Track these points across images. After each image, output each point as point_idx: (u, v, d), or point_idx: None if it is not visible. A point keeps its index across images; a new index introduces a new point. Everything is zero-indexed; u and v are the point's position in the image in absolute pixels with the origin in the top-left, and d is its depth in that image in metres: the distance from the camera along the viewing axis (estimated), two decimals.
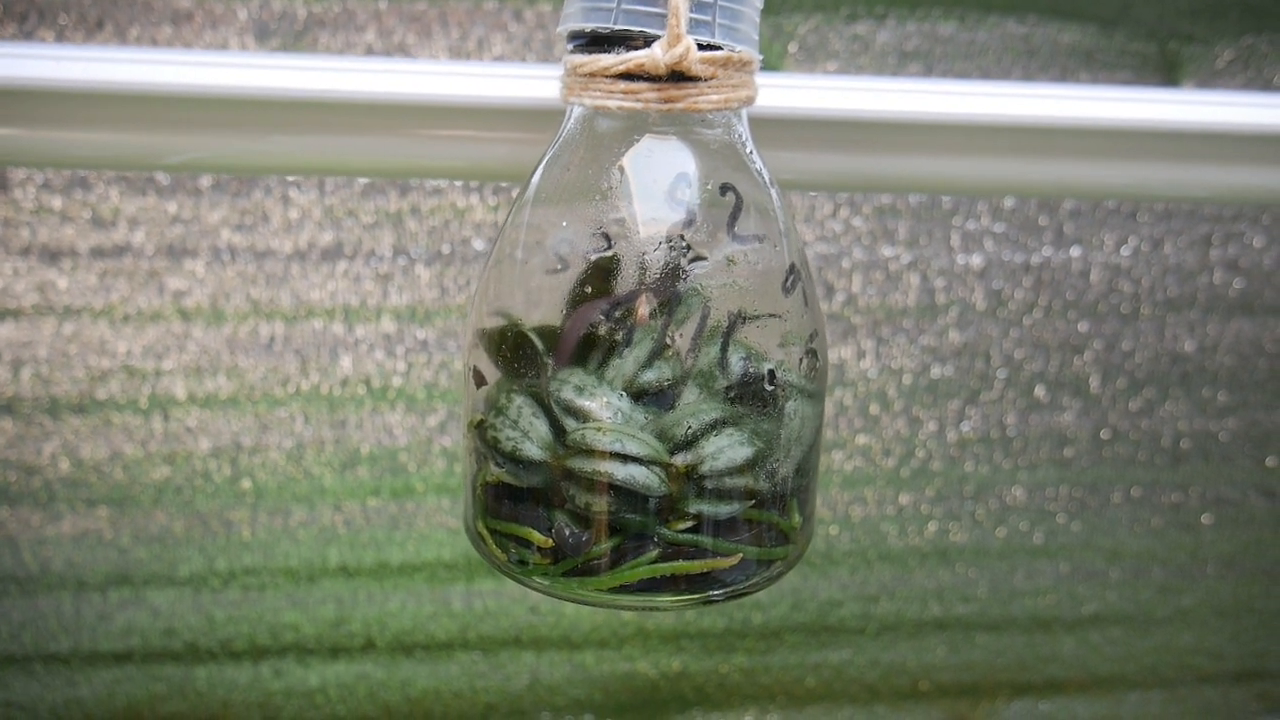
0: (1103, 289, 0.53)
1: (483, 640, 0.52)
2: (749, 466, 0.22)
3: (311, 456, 0.50)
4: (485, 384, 0.23)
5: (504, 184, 0.48)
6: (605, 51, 0.21)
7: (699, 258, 0.21)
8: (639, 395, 0.23)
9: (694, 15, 0.20)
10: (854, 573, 0.54)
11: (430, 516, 0.51)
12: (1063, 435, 0.54)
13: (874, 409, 0.53)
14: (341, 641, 0.51)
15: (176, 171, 0.44)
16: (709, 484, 0.21)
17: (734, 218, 0.21)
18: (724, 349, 0.23)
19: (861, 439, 0.53)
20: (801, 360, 0.23)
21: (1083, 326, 0.53)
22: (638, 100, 0.20)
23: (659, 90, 0.20)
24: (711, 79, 0.21)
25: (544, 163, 0.23)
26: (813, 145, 0.26)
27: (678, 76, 0.20)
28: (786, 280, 0.22)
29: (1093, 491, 0.55)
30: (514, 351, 0.23)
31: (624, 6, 0.20)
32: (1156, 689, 0.58)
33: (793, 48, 0.49)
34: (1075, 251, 0.53)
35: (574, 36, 0.22)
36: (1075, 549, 0.55)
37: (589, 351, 0.23)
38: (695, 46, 0.20)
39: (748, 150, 0.22)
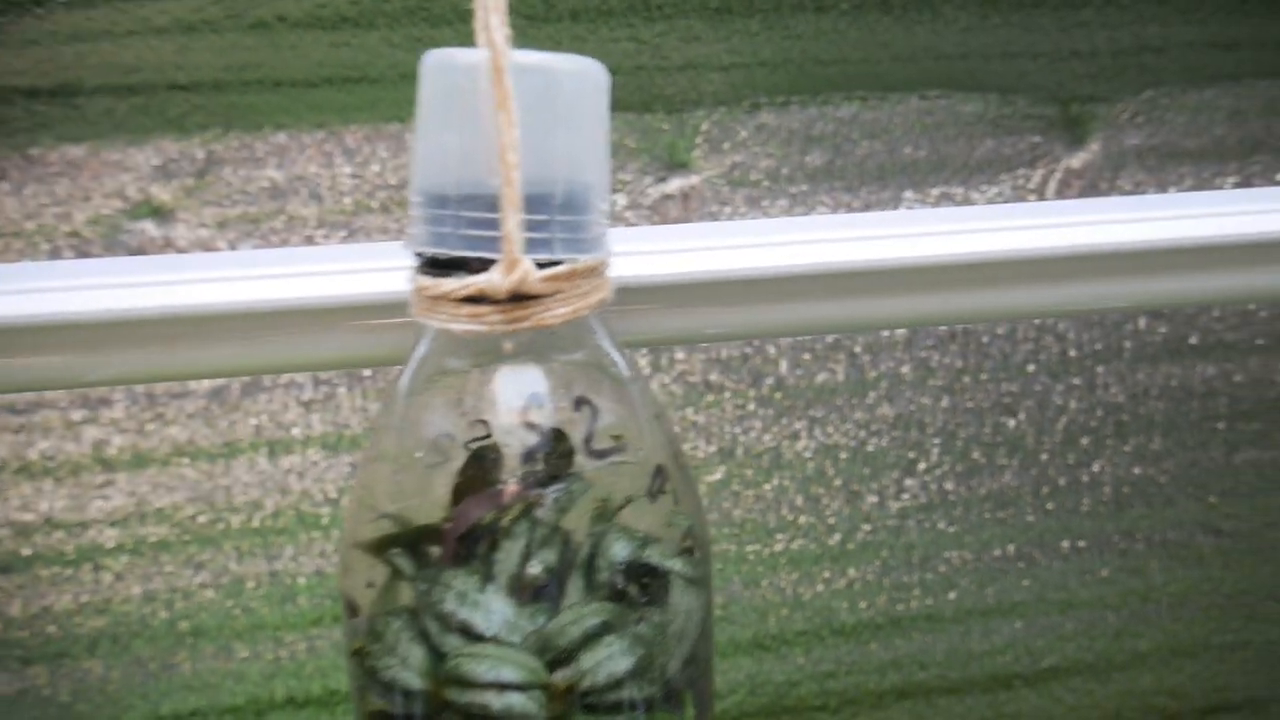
0: (1030, 348, 0.54)
1: None
2: (632, 676, 0.21)
3: (249, 592, 0.49)
4: (358, 615, 0.23)
5: None
6: (447, 274, 0.21)
7: (555, 477, 0.21)
8: (524, 590, 0.22)
9: (532, 234, 0.20)
10: (808, 652, 0.54)
11: None
12: (1004, 495, 0.54)
13: (814, 488, 0.53)
14: None
15: (98, 386, 0.44)
16: (592, 699, 0.21)
17: (590, 435, 0.21)
18: (598, 544, 0.22)
19: (804, 519, 0.53)
20: (681, 556, 0.22)
21: (1013, 386, 0.54)
22: (483, 323, 0.20)
23: (503, 312, 0.20)
24: (557, 293, 0.20)
25: (410, 370, 0.23)
26: (678, 305, 0.26)
27: (521, 295, 0.20)
28: (652, 485, 0.22)
29: (1039, 547, 0.55)
30: (393, 557, 0.23)
31: (459, 231, 0.20)
32: None
33: (699, 141, 0.49)
34: None
35: (419, 254, 0.22)
36: (1028, 605, 0.56)
37: (469, 550, 0.23)
38: (534, 268, 0.20)
39: (605, 352, 0.22)
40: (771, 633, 0.53)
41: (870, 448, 0.53)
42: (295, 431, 0.48)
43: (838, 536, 0.53)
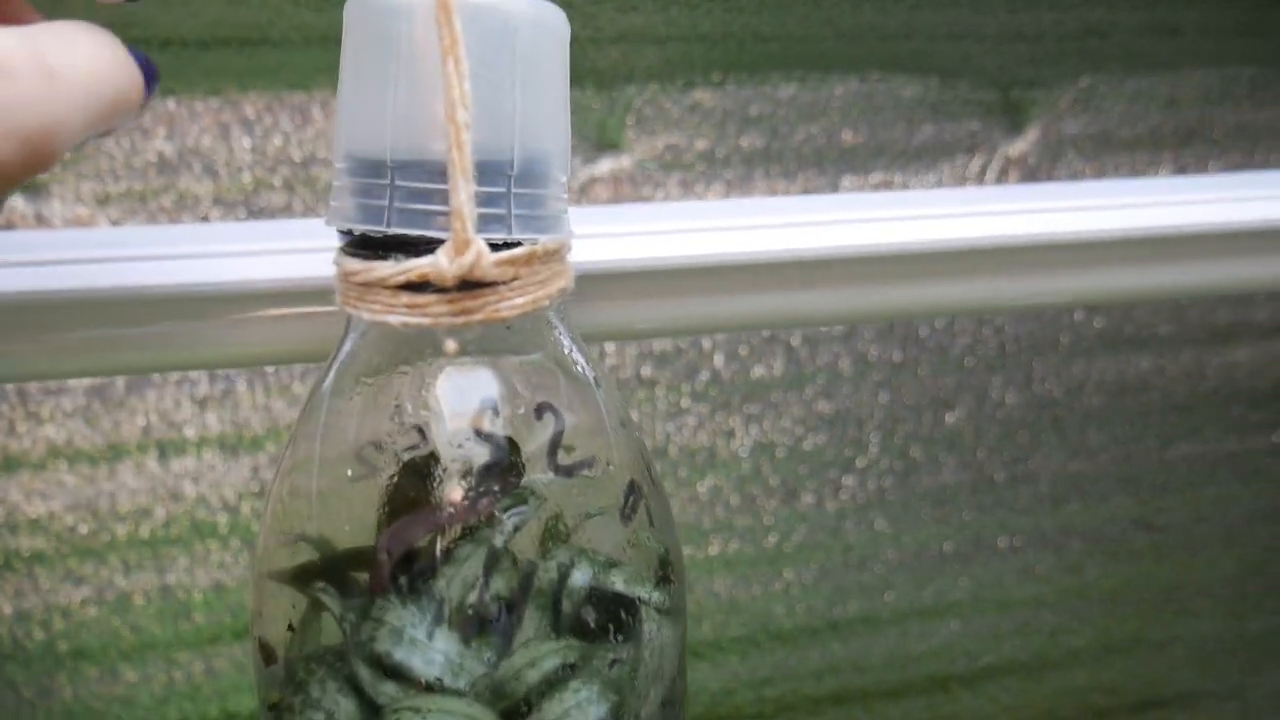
0: (968, 340, 0.52)
1: None
2: None
3: (138, 608, 0.45)
4: (275, 661, 0.19)
5: None
6: (382, 256, 0.17)
7: (520, 503, 0.18)
8: (472, 623, 0.19)
9: (485, 210, 0.17)
10: (744, 659, 0.52)
11: None
12: (941, 492, 0.53)
13: (750, 488, 0.50)
14: None
15: None
16: None
17: (554, 448, 0.18)
18: (555, 569, 0.19)
19: (740, 520, 0.50)
20: (656, 585, 0.19)
21: (951, 380, 0.52)
22: (425, 315, 0.17)
23: (450, 302, 0.17)
24: (514, 280, 0.17)
25: (335, 369, 0.19)
26: (641, 295, 0.23)
27: (471, 283, 0.17)
28: (625, 505, 0.18)
29: (977, 545, 0.54)
30: (316, 592, 0.20)
31: (398, 205, 0.17)
32: None
33: (630, 120, 0.46)
34: None
35: (345, 232, 0.18)
36: (965, 604, 0.54)
37: (408, 576, 0.19)
38: (488, 249, 0.17)
39: (565, 349, 0.19)
40: (706, 639, 0.51)
41: (808, 445, 0.51)
42: (188, 431, 0.44)
43: (774, 538, 0.51)
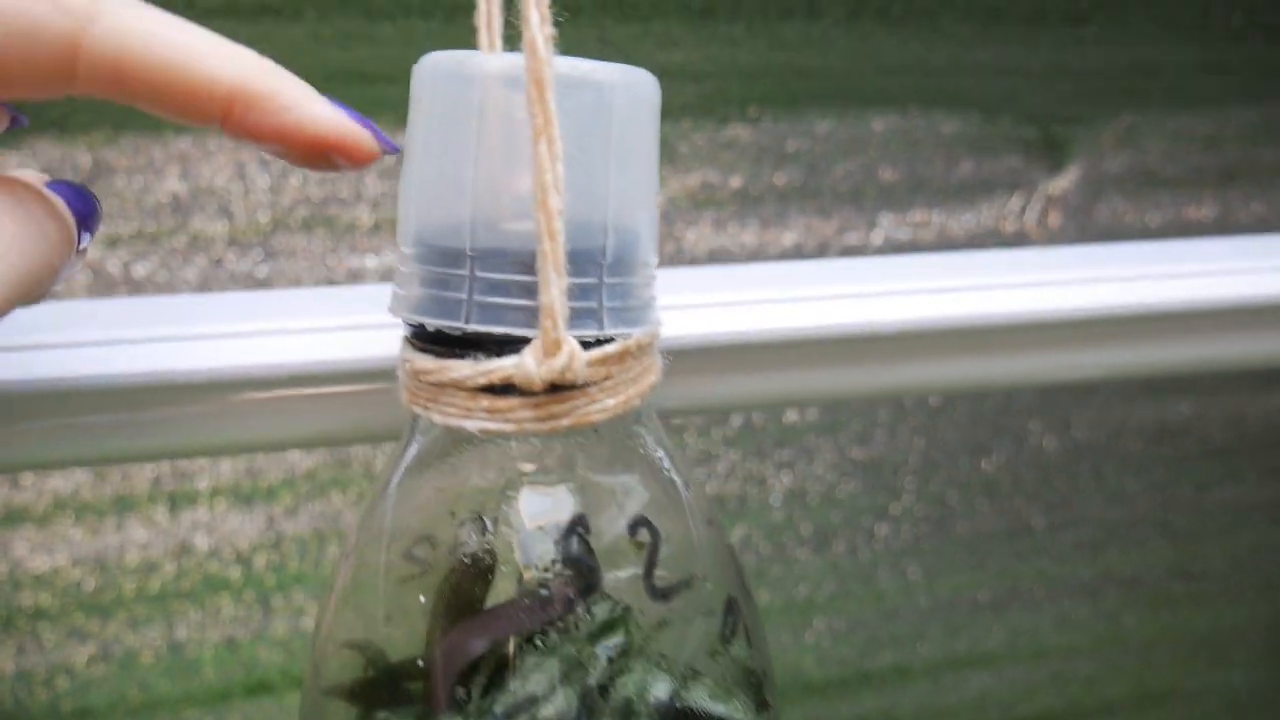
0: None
1: None
2: None
3: (146, 666, 0.43)
4: None
5: None
6: (457, 354, 0.15)
7: (609, 629, 0.16)
8: None
9: (576, 304, 0.15)
10: None
11: (294, 714, 0.45)
12: (977, 540, 0.51)
13: (781, 536, 0.48)
14: None
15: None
16: None
17: (650, 568, 0.16)
18: (632, 683, 0.18)
19: (771, 569, 0.49)
20: (757, 710, 0.17)
21: (988, 426, 0.51)
22: (508, 421, 0.15)
23: (535, 407, 0.15)
24: (604, 380, 0.15)
25: (401, 470, 0.17)
26: (707, 371, 0.21)
27: (559, 384, 0.15)
28: (725, 626, 0.17)
29: (1012, 594, 0.52)
30: (374, 706, 0.18)
31: (478, 299, 0.15)
32: None
33: (663, 156, 0.45)
34: None
35: (416, 325, 0.16)
36: (1000, 654, 0.53)
37: (471, 686, 0.18)
38: (580, 349, 0.15)
39: (651, 449, 0.17)
40: None
41: (841, 492, 0.49)
42: (200, 482, 0.42)
43: (805, 587, 0.49)
